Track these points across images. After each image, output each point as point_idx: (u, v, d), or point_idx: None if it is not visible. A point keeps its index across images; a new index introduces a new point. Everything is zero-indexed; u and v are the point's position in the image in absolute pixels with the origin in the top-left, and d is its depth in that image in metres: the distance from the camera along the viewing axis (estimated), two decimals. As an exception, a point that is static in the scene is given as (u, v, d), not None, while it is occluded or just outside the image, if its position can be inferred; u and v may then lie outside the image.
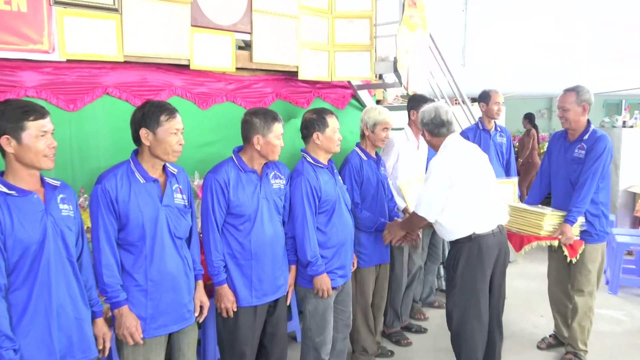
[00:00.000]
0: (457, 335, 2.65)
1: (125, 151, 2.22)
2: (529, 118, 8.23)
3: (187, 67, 2.92)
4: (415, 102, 3.59)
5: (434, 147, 2.73)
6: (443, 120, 2.64)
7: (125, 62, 2.72)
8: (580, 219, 3.07)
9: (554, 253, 3.28)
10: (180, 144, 2.13)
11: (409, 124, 3.60)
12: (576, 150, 3.08)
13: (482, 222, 2.59)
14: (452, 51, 6.60)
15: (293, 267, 2.65)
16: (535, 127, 8.21)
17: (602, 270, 3.19)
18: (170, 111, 2.11)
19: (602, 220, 3.11)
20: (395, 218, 3.14)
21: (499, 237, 2.62)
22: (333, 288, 2.71)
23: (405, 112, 3.67)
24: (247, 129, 2.41)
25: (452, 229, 2.60)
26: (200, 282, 2.31)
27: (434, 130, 2.65)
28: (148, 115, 2.07)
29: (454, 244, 2.64)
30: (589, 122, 3.12)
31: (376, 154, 3.25)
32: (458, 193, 2.53)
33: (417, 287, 4.01)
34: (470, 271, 2.59)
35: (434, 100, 3.61)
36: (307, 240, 2.58)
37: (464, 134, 4.15)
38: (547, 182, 3.36)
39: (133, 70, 2.83)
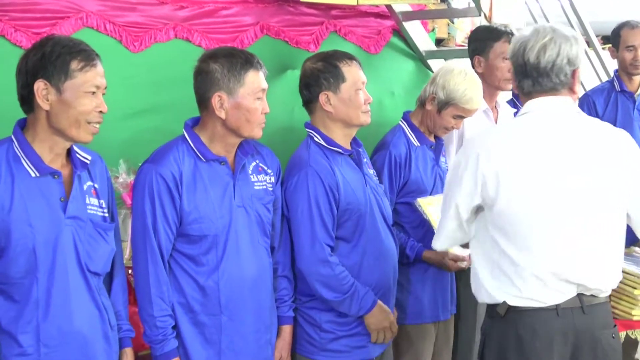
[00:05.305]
0: None
1: (5, 123, 2.24)
2: None
3: (107, -21, 2.98)
4: (482, 40, 3.53)
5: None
6: (529, 61, 2.35)
7: (2, -29, 2.77)
8: None
9: None
10: (100, 111, 2.17)
11: None
12: None
13: (533, 282, 2.31)
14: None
15: (287, 329, 2.70)
16: None
17: None
18: (88, 55, 2.15)
19: None
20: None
21: (575, 321, 2.33)
22: None
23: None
24: (203, 84, 2.46)
25: (482, 280, 2.40)
26: (129, 351, 2.35)
27: (516, 78, 2.42)
28: (51, 58, 2.09)
29: (486, 315, 2.49)
30: None
31: (436, 136, 3.30)
32: (499, 216, 2.33)
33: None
34: None
35: (512, 35, 3.48)
36: (324, 274, 2.64)
37: (588, 98, 4.17)
38: None
39: (15, -14, 2.88)
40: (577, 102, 2.47)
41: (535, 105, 2.37)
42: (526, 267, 2.30)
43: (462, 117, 3.17)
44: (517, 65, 2.38)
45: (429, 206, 3.05)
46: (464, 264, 3.06)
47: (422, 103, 3.22)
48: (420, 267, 3.13)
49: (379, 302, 2.76)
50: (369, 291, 2.73)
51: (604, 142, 2.36)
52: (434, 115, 3.16)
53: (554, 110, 2.36)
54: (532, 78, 2.35)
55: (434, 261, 3.09)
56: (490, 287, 2.37)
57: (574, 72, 2.35)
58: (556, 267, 2.30)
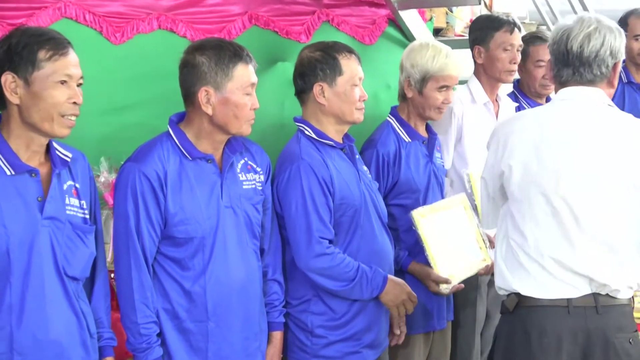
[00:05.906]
0: None
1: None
2: None
3: (86, -34, 2.90)
4: (483, 29, 3.54)
5: None
6: (571, 49, 2.38)
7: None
8: None
9: None
10: (74, 102, 2.12)
11: (476, 72, 3.60)
12: None
13: (537, 268, 2.37)
14: None
15: (278, 335, 2.69)
16: None
17: None
18: (57, 43, 2.12)
19: None
20: None
21: (587, 321, 2.35)
22: None
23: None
24: (189, 78, 2.44)
25: (498, 262, 2.49)
26: (110, 361, 2.33)
27: (555, 67, 2.46)
28: (17, 49, 2.08)
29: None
30: None
31: (428, 128, 3.27)
32: (511, 197, 2.43)
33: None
34: None
35: (514, 24, 3.52)
36: (325, 267, 2.64)
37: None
38: None
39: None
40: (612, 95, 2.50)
41: (567, 94, 2.42)
42: (530, 251, 2.36)
43: (446, 87, 3.13)
44: (557, 54, 2.41)
45: (422, 218, 2.99)
46: (446, 291, 3.03)
47: (403, 96, 3.21)
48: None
49: (390, 276, 2.75)
50: (377, 269, 2.72)
51: (631, 138, 2.37)
52: (418, 100, 3.15)
53: (585, 100, 2.39)
54: (573, 67, 2.39)
55: (417, 276, 3.06)
56: (504, 269, 2.43)
57: (615, 65, 2.39)
58: (555, 253, 2.34)
